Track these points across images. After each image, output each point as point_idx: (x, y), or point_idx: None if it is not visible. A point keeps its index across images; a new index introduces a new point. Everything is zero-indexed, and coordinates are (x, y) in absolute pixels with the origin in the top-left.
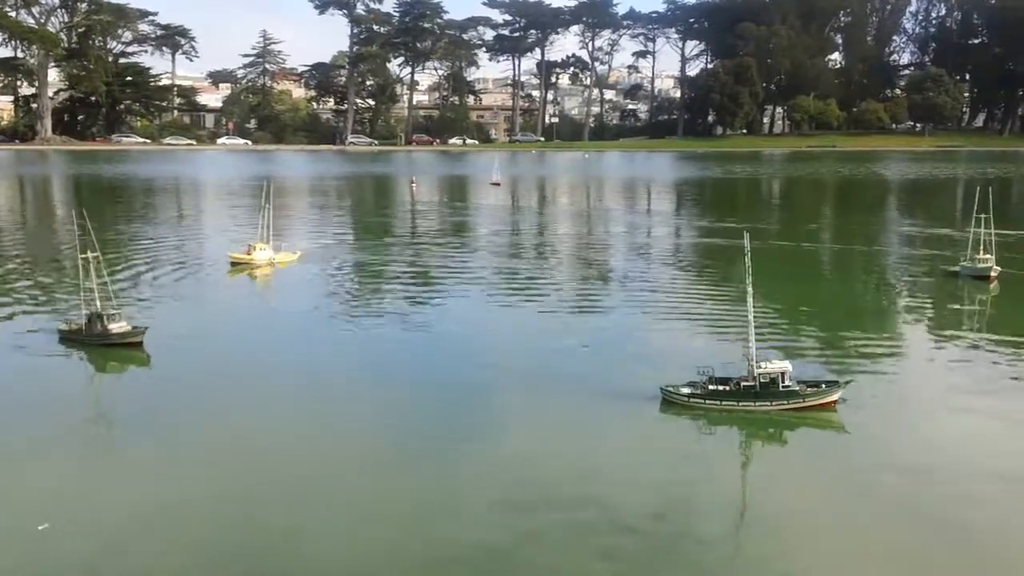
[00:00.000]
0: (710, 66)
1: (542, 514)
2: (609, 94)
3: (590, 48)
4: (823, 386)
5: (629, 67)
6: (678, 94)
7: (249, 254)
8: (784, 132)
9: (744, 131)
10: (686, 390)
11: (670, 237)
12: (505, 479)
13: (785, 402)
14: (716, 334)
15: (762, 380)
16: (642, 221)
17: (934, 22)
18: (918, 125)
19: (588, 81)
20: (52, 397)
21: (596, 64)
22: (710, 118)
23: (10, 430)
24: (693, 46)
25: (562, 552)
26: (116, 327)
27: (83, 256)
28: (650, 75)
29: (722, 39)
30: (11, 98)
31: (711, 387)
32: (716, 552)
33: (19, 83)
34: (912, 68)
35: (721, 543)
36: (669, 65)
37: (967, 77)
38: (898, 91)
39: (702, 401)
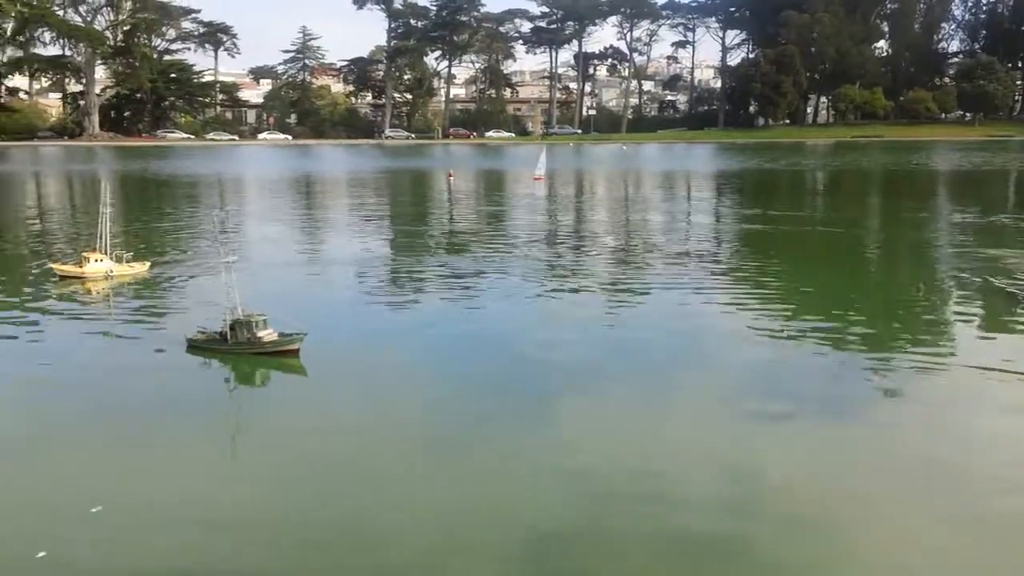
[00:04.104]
0: (751, 55)
1: (605, 502)
2: (647, 85)
3: (628, 39)
4: None
5: (668, 58)
6: (718, 84)
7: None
8: (828, 122)
9: (787, 121)
10: None
11: (710, 227)
12: (567, 466)
13: None
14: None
15: None
16: (681, 212)
17: (984, 8)
18: (968, 114)
19: (626, 72)
20: (200, 409)
21: (634, 55)
22: (751, 108)
23: (161, 445)
24: (734, 35)
25: (626, 539)
26: (265, 334)
27: (224, 260)
28: (689, 65)
29: (764, 28)
30: (60, 95)
31: None
32: (782, 546)
33: (67, 80)
34: (961, 56)
35: (789, 540)
36: (709, 55)
37: (1020, 65)
38: (947, 79)
39: None
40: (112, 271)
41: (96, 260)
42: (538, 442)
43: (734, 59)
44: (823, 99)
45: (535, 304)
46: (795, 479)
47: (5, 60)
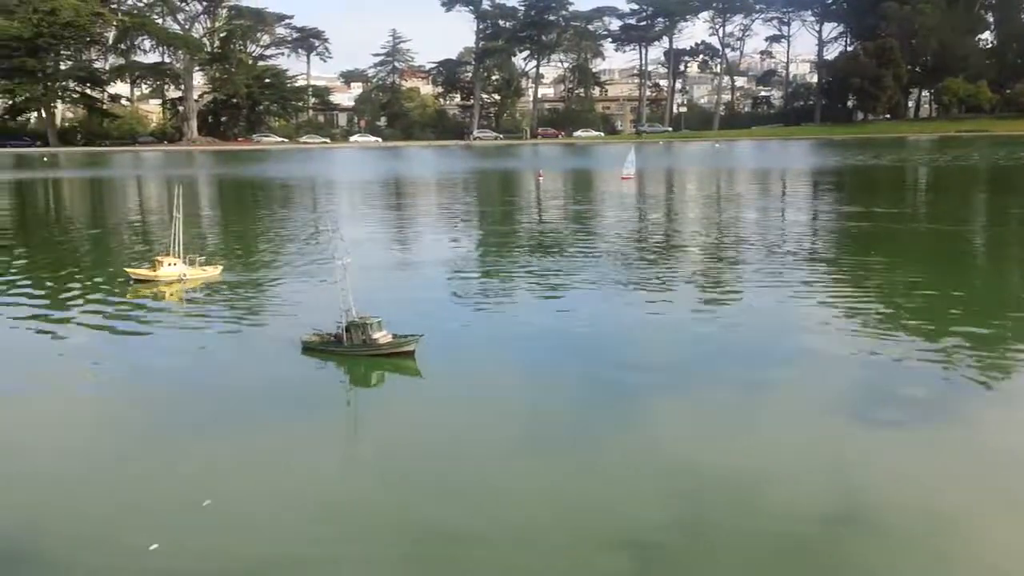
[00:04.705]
0: (850, 49)
1: (701, 503)
2: (740, 81)
3: (720, 34)
4: None
5: (762, 52)
6: (815, 79)
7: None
8: (931, 116)
9: (887, 116)
10: None
11: (806, 225)
12: (664, 466)
13: None
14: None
15: None
16: (776, 210)
17: None
18: None
19: (718, 68)
20: (319, 410)
21: (727, 51)
22: (850, 103)
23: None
24: (831, 28)
25: (722, 541)
26: (380, 336)
27: (339, 261)
28: (784, 60)
29: (862, 20)
30: (160, 101)
31: None
32: (883, 554)
33: (167, 87)
34: None
35: (889, 548)
36: (805, 49)
37: None
38: None
39: None
40: (185, 274)
41: (169, 264)
42: (635, 442)
43: (831, 53)
44: (925, 93)
45: (628, 304)
46: (897, 485)
47: (108, 68)
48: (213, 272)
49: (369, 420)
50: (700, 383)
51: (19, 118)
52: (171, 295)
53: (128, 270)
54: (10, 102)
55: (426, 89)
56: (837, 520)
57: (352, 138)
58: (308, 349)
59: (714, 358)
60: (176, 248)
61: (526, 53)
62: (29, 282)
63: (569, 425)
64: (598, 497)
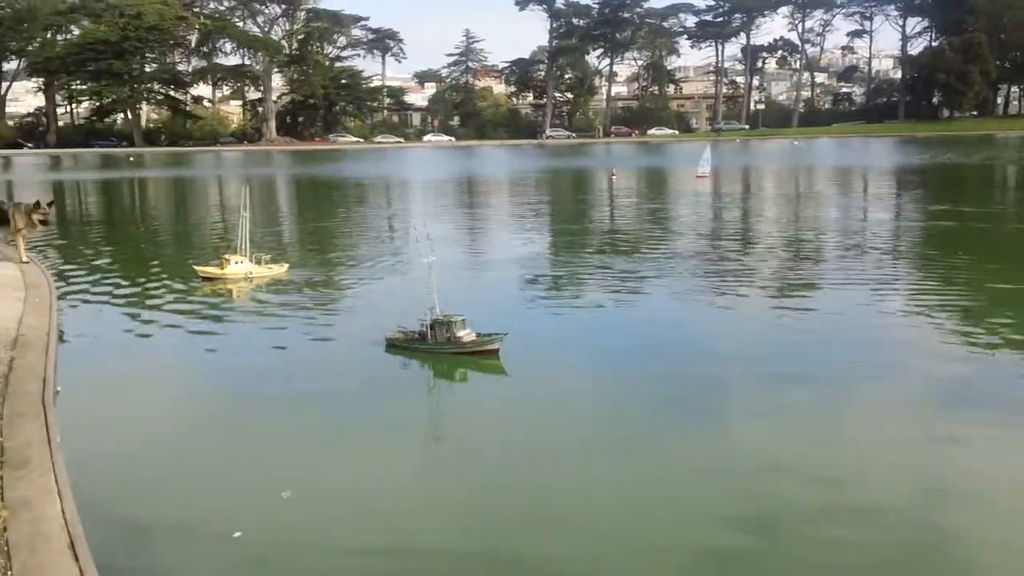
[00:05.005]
0: (935, 44)
1: (783, 508)
2: (820, 77)
3: (800, 30)
4: None
5: (843, 48)
6: (898, 75)
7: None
8: (1021, 113)
9: (974, 113)
10: None
11: (889, 224)
12: (743, 470)
13: None
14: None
15: None
16: (857, 208)
17: None
18: None
19: (797, 65)
20: (405, 409)
21: (806, 46)
22: (935, 99)
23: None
24: (915, 23)
25: (805, 548)
26: (464, 334)
27: (424, 260)
28: (866, 56)
29: (948, 14)
30: (240, 103)
31: None
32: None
33: (247, 88)
34: None
35: (982, 560)
36: (888, 44)
37: None
38: None
39: None
40: (251, 272)
41: (236, 262)
42: (716, 442)
43: (915, 48)
44: (1014, 89)
45: (705, 302)
46: (990, 490)
47: (191, 70)
48: (279, 270)
49: (453, 417)
50: (781, 383)
51: (106, 119)
52: (239, 293)
53: (196, 267)
54: (98, 104)
55: (499, 88)
56: (924, 527)
57: (426, 138)
58: (392, 346)
59: (795, 357)
60: (243, 246)
61: (600, 51)
62: (110, 277)
63: (651, 425)
64: (684, 498)
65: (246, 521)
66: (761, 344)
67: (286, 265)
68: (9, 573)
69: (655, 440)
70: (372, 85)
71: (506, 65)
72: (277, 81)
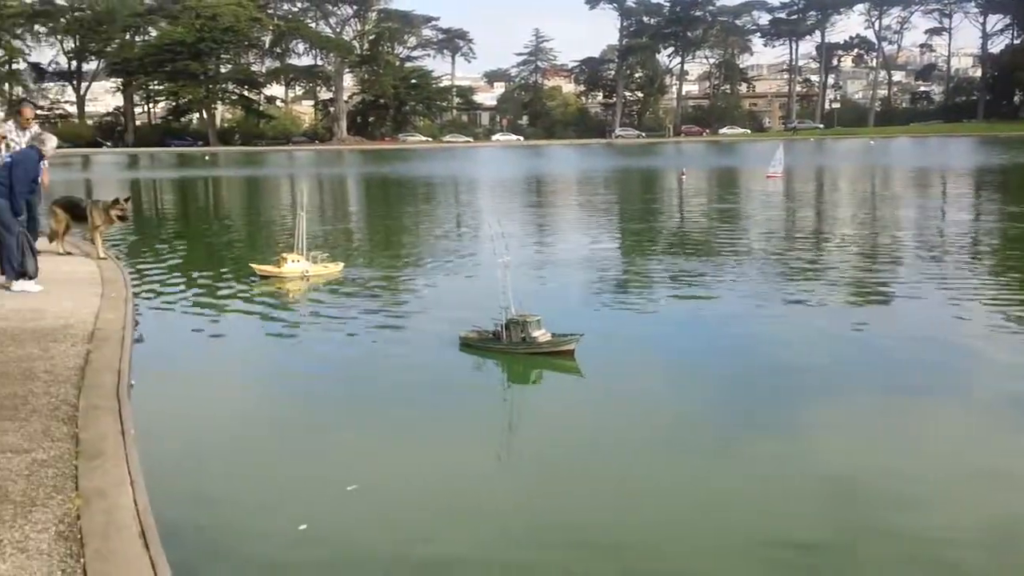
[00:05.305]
0: (1016, 42)
1: (855, 514)
2: (898, 76)
3: (876, 27)
4: None
5: (921, 46)
6: (978, 74)
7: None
8: None
9: None
10: None
11: (968, 225)
12: (815, 473)
13: None
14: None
15: None
16: (935, 210)
17: None
18: None
19: (874, 63)
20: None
21: (883, 44)
22: (1016, 98)
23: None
24: (996, 20)
25: (876, 554)
26: (540, 334)
27: (499, 259)
28: (945, 54)
29: None
30: (312, 102)
31: None
32: None
33: (318, 88)
34: None
35: None
36: (968, 42)
37: None
38: None
39: None
40: (308, 271)
41: (293, 260)
42: (787, 447)
43: (996, 46)
44: None
45: (777, 305)
46: None
47: (264, 70)
48: (334, 269)
49: (527, 417)
50: (855, 387)
51: (182, 119)
52: (296, 292)
53: (253, 266)
54: (174, 104)
55: (568, 87)
56: (997, 544)
57: (494, 137)
58: (466, 345)
59: (869, 361)
60: (300, 245)
61: (670, 50)
62: (181, 272)
63: (725, 427)
64: (755, 503)
65: (313, 514)
66: (833, 347)
67: (341, 264)
68: (82, 560)
69: (733, 444)
70: (441, 85)
71: (575, 64)
72: (348, 81)
